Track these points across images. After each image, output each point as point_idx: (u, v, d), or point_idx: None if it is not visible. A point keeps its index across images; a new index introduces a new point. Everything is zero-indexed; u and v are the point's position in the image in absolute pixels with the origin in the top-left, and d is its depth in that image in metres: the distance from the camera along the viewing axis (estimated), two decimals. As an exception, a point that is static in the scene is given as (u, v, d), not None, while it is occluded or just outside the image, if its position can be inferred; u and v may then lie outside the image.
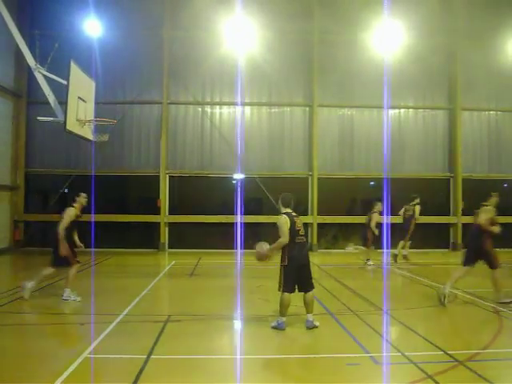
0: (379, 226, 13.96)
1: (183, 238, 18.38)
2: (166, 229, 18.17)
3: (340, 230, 18.52)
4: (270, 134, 18.60)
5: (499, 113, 19.19)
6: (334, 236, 18.60)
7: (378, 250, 15.05)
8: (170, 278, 12.66)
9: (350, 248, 15.13)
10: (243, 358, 5.98)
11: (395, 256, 14.51)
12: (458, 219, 18.64)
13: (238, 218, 17.06)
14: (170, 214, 18.17)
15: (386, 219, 14.93)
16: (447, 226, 19.03)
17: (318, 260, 15.36)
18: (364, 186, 18.74)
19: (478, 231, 8.77)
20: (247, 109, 18.57)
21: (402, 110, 18.97)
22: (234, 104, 18.36)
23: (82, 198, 9.29)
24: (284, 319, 7.14)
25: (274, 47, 18.44)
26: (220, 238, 17.93)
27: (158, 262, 16.00)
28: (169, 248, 18.21)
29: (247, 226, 17.48)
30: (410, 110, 19.00)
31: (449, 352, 6.11)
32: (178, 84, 18.37)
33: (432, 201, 18.77)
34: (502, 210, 18.06)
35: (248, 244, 18.00)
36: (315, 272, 13.90)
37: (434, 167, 18.98)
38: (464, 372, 5.51)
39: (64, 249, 8.75)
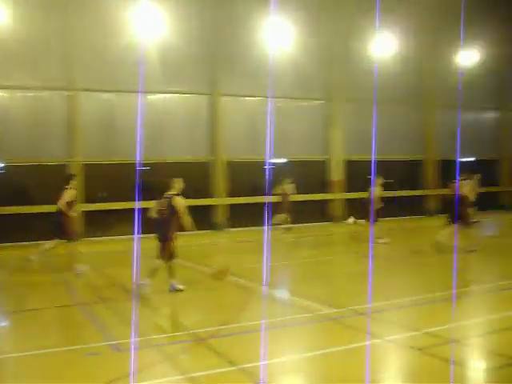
0: (380, 199, 14.73)
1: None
2: None
3: (109, 217, 18.29)
4: (29, 120, 17.37)
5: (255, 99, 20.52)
6: (104, 223, 18.39)
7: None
8: None
9: (351, 220, 15.47)
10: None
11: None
12: (221, 201, 19.60)
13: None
14: None
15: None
16: (209, 207, 19.70)
17: (85, 249, 15.01)
18: (132, 170, 18.66)
19: None
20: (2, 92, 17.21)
21: (166, 96, 19.24)
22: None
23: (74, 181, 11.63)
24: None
25: (28, 23, 17.01)
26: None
27: None
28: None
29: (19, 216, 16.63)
30: (173, 95, 19.34)
31: (193, 331, 6.50)
32: None
33: (195, 184, 19.50)
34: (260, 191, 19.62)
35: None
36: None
37: (198, 151, 19.68)
38: (201, 349, 5.93)
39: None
